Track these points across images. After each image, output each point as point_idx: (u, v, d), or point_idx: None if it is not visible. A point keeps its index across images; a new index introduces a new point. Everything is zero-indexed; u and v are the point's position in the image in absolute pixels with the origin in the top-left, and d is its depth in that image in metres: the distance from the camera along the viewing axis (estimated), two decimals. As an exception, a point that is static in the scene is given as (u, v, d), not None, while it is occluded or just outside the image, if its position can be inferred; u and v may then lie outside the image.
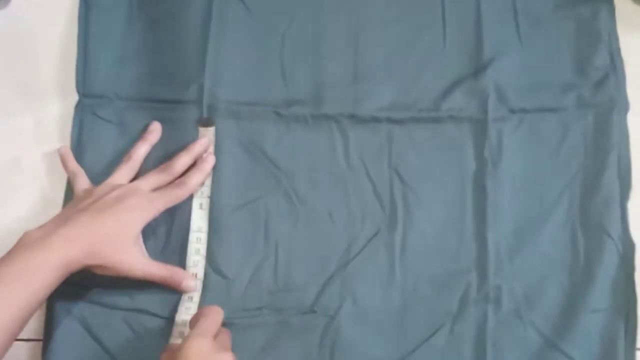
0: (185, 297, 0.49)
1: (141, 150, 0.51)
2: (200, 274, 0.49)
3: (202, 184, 0.51)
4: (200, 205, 0.51)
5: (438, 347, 0.49)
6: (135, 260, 0.46)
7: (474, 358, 0.48)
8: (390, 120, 0.53)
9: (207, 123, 0.52)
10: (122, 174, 0.49)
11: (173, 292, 0.49)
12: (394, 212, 0.51)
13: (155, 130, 0.52)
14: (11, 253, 0.43)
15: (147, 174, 0.49)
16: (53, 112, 0.55)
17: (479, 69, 0.54)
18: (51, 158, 0.54)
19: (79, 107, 0.53)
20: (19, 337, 0.49)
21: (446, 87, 0.54)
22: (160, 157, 0.52)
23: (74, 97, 0.54)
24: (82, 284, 0.49)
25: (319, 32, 0.55)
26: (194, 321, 0.43)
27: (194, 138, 0.52)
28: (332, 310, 0.49)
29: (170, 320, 0.48)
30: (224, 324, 0.47)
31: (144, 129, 0.52)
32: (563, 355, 0.48)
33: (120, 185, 0.48)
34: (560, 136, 0.53)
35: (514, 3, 0.56)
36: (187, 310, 0.48)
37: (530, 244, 0.51)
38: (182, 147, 0.52)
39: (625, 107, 0.53)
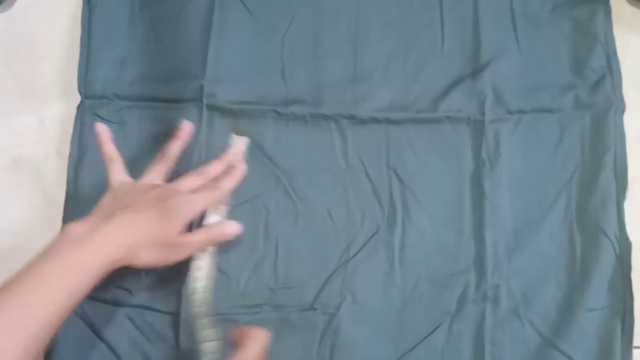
0: (194, 266, 0.48)
1: (175, 148, 0.50)
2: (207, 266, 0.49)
3: (234, 189, 0.50)
4: (216, 208, 0.50)
5: (437, 346, 0.49)
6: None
7: (472, 356, 0.49)
8: (388, 121, 0.53)
9: (241, 132, 0.52)
10: (157, 172, 0.49)
11: (174, 288, 0.49)
12: (392, 212, 0.52)
13: (187, 128, 0.51)
14: (53, 248, 0.42)
15: (184, 176, 0.49)
16: (54, 112, 0.55)
17: (476, 70, 0.54)
18: (52, 158, 0.54)
19: (81, 108, 0.54)
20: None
21: (444, 88, 0.54)
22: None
23: (75, 97, 0.54)
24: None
25: (319, 32, 0.56)
26: (239, 337, 0.42)
27: (194, 137, 0.52)
28: (332, 308, 0.49)
29: (172, 315, 0.49)
30: (225, 320, 0.48)
31: (175, 128, 0.51)
32: (561, 354, 0.48)
33: (160, 185, 0.47)
34: (558, 137, 0.53)
35: (512, 4, 0.56)
36: (195, 280, 0.48)
37: (528, 243, 0.51)
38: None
39: (621, 107, 0.53)
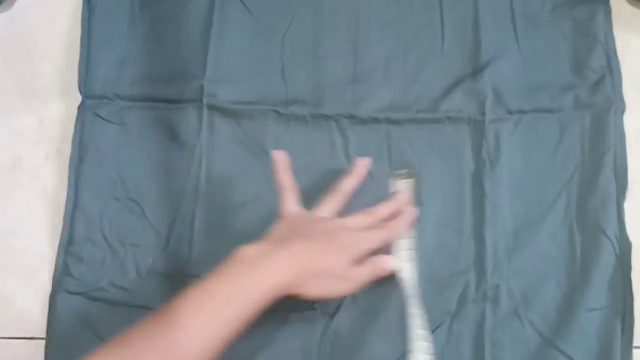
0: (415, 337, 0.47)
1: (350, 185, 0.50)
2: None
3: (405, 232, 0.49)
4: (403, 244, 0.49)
5: (437, 346, 0.49)
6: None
7: (472, 356, 0.49)
8: (389, 121, 0.53)
9: (404, 175, 0.51)
10: (329, 206, 0.48)
11: (173, 287, 0.48)
12: (393, 212, 0.52)
13: (362, 165, 0.51)
14: (225, 269, 0.42)
15: (354, 214, 0.48)
16: (54, 112, 0.55)
17: (476, 70, 0.54)
18: (52, 158, 0.54)
19: (81, 108, 0.54)
20: (21, 336, 0.49)
21: (444, 88, 0.54)
22: (161, 158, 0.52)
23: (76, 97, 0.54)
24: (84, 282, 0.49)
25: (319, 32, 0.56)
26: None
27: (194, 137, 0.52)
28: (332, 308, 0.49)
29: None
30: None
31: (352, 165, 0.51)
32: (561, 354, 0.48)
33: (331, 219, 0.47)
34: (558, 137, 0.53)
35: (512, 4, 0.56)
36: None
37: (528, 243, 0.51)
38: (182, 147, 0.52)
39: (621, 107, 0.53)
